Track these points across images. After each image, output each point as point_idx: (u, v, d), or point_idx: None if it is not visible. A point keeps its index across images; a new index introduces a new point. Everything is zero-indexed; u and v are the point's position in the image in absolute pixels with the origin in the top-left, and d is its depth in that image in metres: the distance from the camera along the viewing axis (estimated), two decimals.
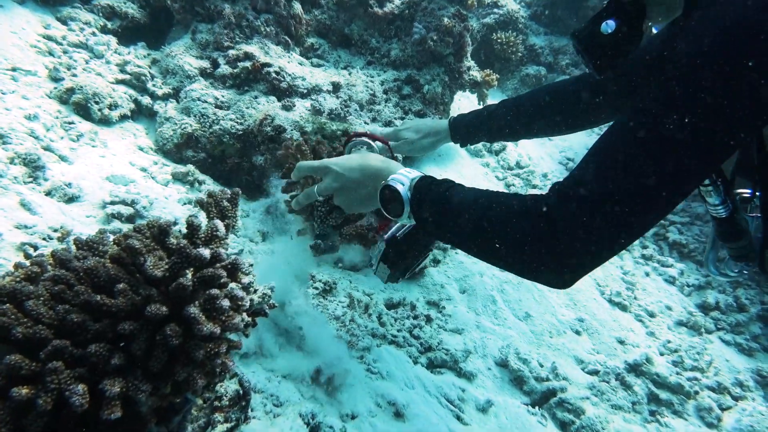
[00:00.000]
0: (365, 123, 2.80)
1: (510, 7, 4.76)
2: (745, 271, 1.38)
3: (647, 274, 3.25)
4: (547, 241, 0.81)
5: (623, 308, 2.94)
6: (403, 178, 1.04)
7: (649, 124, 0.77)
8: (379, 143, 1.51)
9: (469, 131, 1.95)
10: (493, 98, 3.03)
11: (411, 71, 3.12)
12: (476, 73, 3.49)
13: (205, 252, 0.74)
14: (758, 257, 1.18)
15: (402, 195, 1.01)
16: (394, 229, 1.30)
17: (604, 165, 0.81)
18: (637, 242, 3.25)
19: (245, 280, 0.87)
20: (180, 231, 0.88)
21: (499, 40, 4.55)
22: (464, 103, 3.98)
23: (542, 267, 0.83)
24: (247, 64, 2.59)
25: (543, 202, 0.84)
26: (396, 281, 1.43)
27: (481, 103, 3.57)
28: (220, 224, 0.83)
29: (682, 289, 3.20)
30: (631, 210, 0.77)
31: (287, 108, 2.56)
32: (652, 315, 2.96)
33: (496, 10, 4.70)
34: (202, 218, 0.88)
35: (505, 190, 2.54)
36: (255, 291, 1.06)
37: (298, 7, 2.93)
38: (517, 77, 4.77)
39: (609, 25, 0.97)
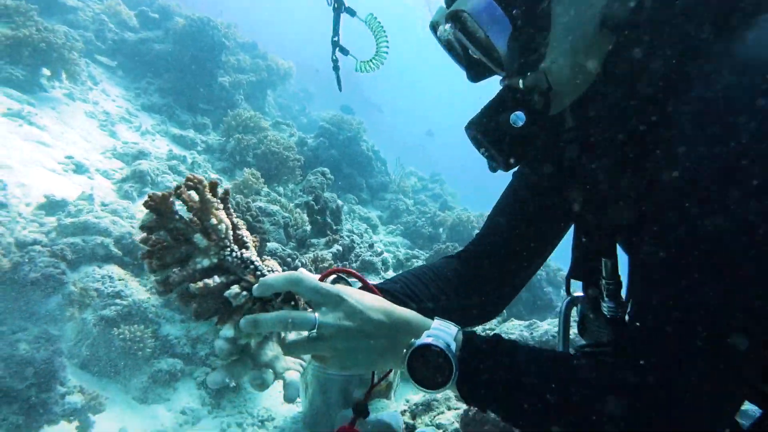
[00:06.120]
0: None
1: (137, 296, 4.36)
2: None
3: None
4: (657, 412, 0.68)
5: None
6: (443, 334, 0.82)
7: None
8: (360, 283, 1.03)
9: None
10: None
11: None
12: (77, 397, 2.72)
13: None
14: None
15: (450, 358, 0.79)
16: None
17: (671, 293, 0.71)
18: None
19: None
20: None
21: (121, 336, 3.96)
22: None
23: None
24: None
25: (627, 369, 0.72)
26: None
27: None
28: None
29: None
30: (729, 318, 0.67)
31: None
32: None
33: (118, 300, 4.21)
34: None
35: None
36: None
37: None
38: (147, 373, 4.14)
39: (519, 117, 0.86)
